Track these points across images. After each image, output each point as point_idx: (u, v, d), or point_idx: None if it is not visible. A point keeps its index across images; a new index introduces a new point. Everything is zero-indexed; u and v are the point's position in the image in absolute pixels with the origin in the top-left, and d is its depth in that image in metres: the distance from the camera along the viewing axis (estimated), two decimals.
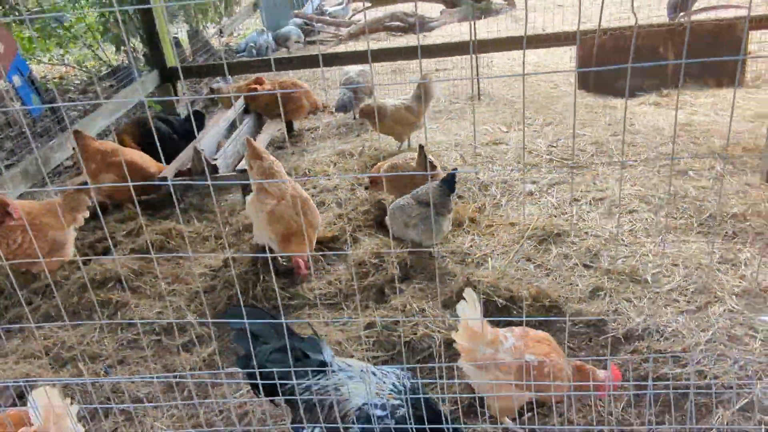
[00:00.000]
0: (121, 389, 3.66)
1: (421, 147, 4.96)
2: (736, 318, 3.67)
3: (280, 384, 2.57)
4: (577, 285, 4.11)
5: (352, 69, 7.43)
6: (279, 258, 4.74)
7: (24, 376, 3.75)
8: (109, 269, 4.74)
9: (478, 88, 7.98)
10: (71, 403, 2.75)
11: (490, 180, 5.62)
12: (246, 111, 7.09)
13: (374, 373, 2.64)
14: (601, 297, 3.99)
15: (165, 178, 5.63)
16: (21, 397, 3.56)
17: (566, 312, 3.87)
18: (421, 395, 2.48)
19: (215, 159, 5.77)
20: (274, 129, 6.90)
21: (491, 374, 2.83)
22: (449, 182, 4.40)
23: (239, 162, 6.00)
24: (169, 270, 4.84)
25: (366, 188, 5.66)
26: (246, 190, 5.83)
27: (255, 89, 6.95)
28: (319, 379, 2.60)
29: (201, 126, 6.67)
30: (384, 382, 2.58)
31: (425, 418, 2.35)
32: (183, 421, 3.49)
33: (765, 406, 3.07)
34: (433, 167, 4.98)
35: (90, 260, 4.87)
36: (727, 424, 3.00)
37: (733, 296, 3.85)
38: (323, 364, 2.68)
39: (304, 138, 7.37)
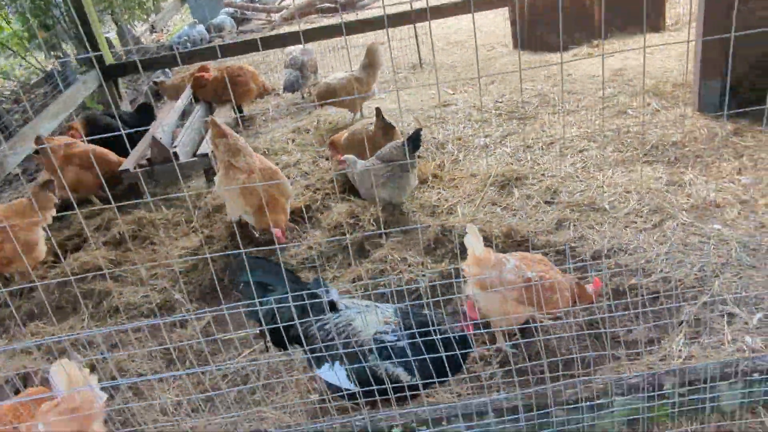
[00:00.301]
0: (125, 368, 3.74)
1: (378, 110, 5.14)
2: (689, 229, 4.03)
3: (295, 326, 2.72)
4: (543, 220, 4.40)
5: (296, 49, 7.52)
6: (254, 230, 4.85)
7: (22, 368, 3.77)
8: (86, 262, 4.75)
9: (419, 56, 8.20)
10: (90, 373, 2.83)
11: (446, 138, 5.87)
12: (194, 100, 7.10)
13: (378, 306, 2.83)
14: (566, 227, 4.29)
15: (127, 170, 5.65)
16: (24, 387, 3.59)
17: (537, 244, 4.15)
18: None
19: (174, 147, 5.80)
20: (226, 114, 6.95)
21: (499, 294, 3.08)
22: (414, 140, 4.59)
23: (197, 149, 6.06)
24: (146, 257, 4.89)
25: (327, 159, 5.81)
26: (209, 174, 5.90)
27: (201, 77, 6.98)
28: (330, 318, 2.77)
29: (151, 118, 6.66)
30: (388, 313, 2.78)
31: (436, 329, 2.56)
32: (189, 389, 3.59)
33: (724, 299, 3.42)
34: (392, 128, 5.17)
35: (65, 256, 4.87)
36: (694, 317, 3.34)
37: (683, 212, 4.21)
38: (332, 303, 2.85)
39: (256, 121, 7.43)
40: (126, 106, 8.15)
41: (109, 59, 7.89)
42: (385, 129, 5.14)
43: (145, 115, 6.64)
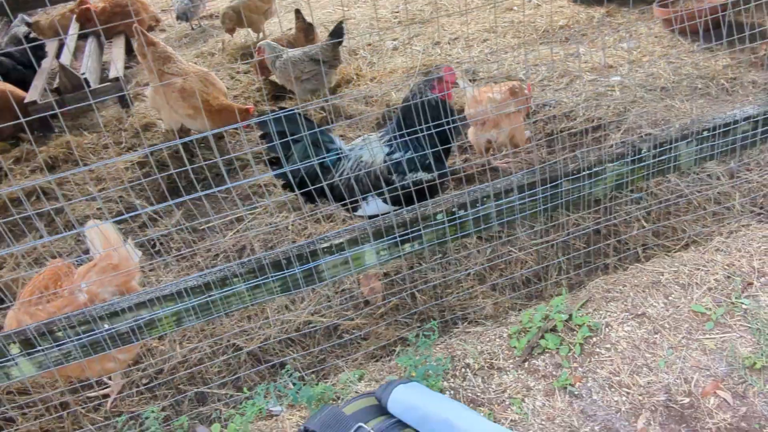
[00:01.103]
0: None
1: (297, 11, 5.33)
2: (596, 84, 4.72)
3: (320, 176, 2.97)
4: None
5: None
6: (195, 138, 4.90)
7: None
8: (24, 187, 4.56)
9: None
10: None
11: (356, 46, 6.18)
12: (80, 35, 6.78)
13: (369, 136, 3.17)
14: None
15: (34, 102, 5.37)
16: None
17: None
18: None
19: (83, 74, 5.60)
20: (120, 46, 6.71)
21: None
22: (338, 33, 4.86)
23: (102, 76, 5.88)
24: (86, 177, 4.77)
25: (246, 73, 5.90)
26: (123, 101, 5.76)
27: (87, 10, 6.67)
28: (344, 165, 3.06)
29: (42, 54, 6.29)
30: (384, 136, 3.11)
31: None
32: (187, 270, 3.70)
33: (640, 125, 4.13)
34: (313, 27, 5.39)
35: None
36: (620, 142, 4.00)
37: (587, 73, 4.91)
38: (340, 150, 3.13)
39: None
40: None
41: None
42: (306, 30, 5.35)
43: (37, 50, 6.25)
